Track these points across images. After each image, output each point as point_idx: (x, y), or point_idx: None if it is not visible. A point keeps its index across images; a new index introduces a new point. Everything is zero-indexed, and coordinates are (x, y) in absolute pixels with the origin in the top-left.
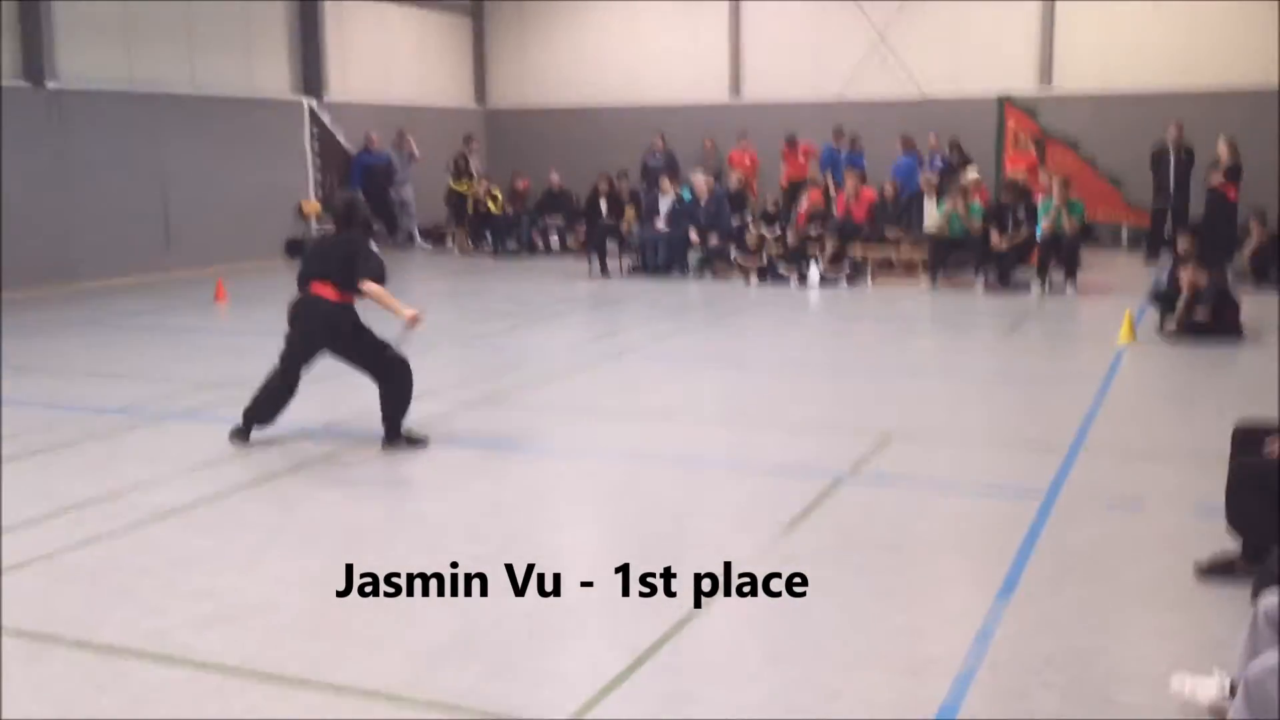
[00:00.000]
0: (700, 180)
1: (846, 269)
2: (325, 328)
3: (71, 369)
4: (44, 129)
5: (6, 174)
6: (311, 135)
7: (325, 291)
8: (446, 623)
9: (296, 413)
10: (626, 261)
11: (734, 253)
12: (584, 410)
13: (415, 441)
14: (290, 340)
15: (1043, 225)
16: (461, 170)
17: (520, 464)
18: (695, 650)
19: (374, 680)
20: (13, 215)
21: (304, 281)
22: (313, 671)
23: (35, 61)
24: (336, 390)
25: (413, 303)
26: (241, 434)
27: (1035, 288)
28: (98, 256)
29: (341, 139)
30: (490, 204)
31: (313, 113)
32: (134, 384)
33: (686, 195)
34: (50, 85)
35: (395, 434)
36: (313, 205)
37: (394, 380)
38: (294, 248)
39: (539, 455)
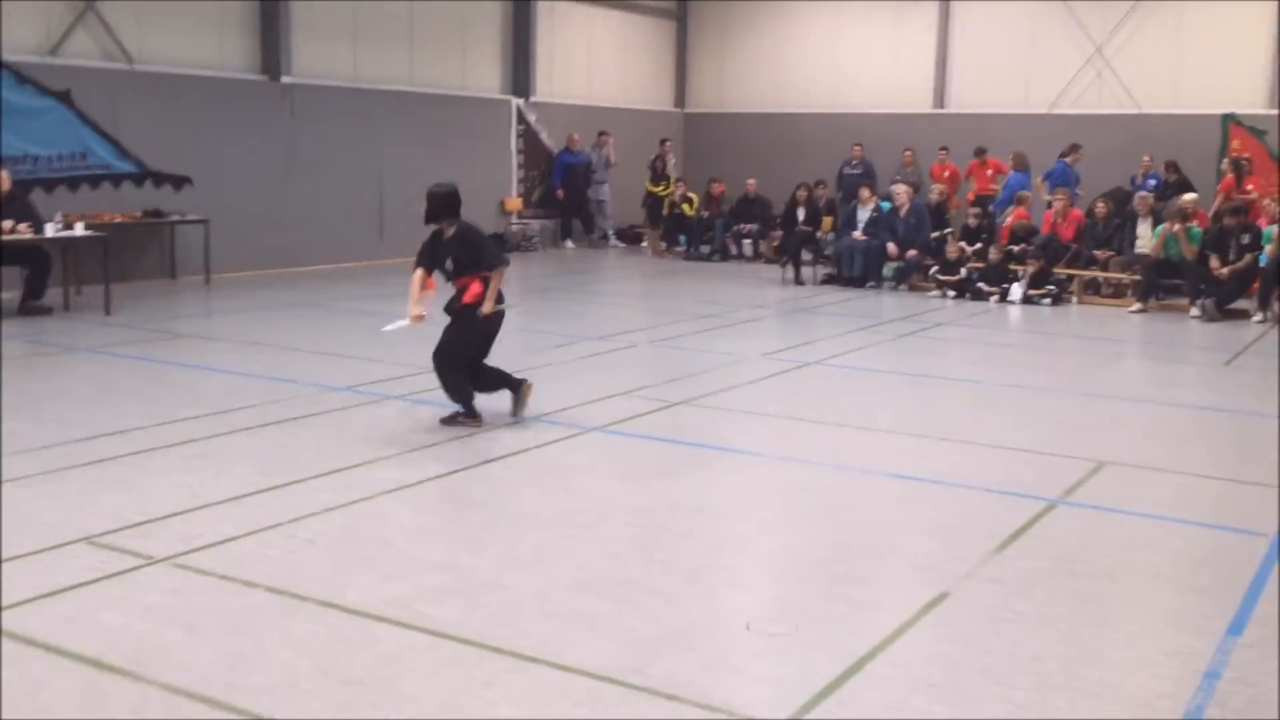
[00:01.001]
0: (901, 191)
1: (1051, 288)
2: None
3: (297, 347)
4: (276, 119)
5: (242, 160)
6: (517, 134)
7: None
8: (663, 614)
9: (501, 404)
10: (821, 271)
11: (932, 267)
12: (786, 416)
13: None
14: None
15: (1267, 253)
16: (659, 173)
17: (726, 464)
18: (910, 664)
19: (599, 663)
20: (244, 199)
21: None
22: (543, 650)
23: (272, 57)
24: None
25: (606, 302)
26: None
27: (1256, 318)
28: (316, 243)
29: (544, 138)
30: (685, 207)
31: (519, 112)
32: (356, 364)
33: (885, 206)
34: (284, 80)
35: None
36: (515, 202)
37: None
38: (496, 241)
39: (745, 457)
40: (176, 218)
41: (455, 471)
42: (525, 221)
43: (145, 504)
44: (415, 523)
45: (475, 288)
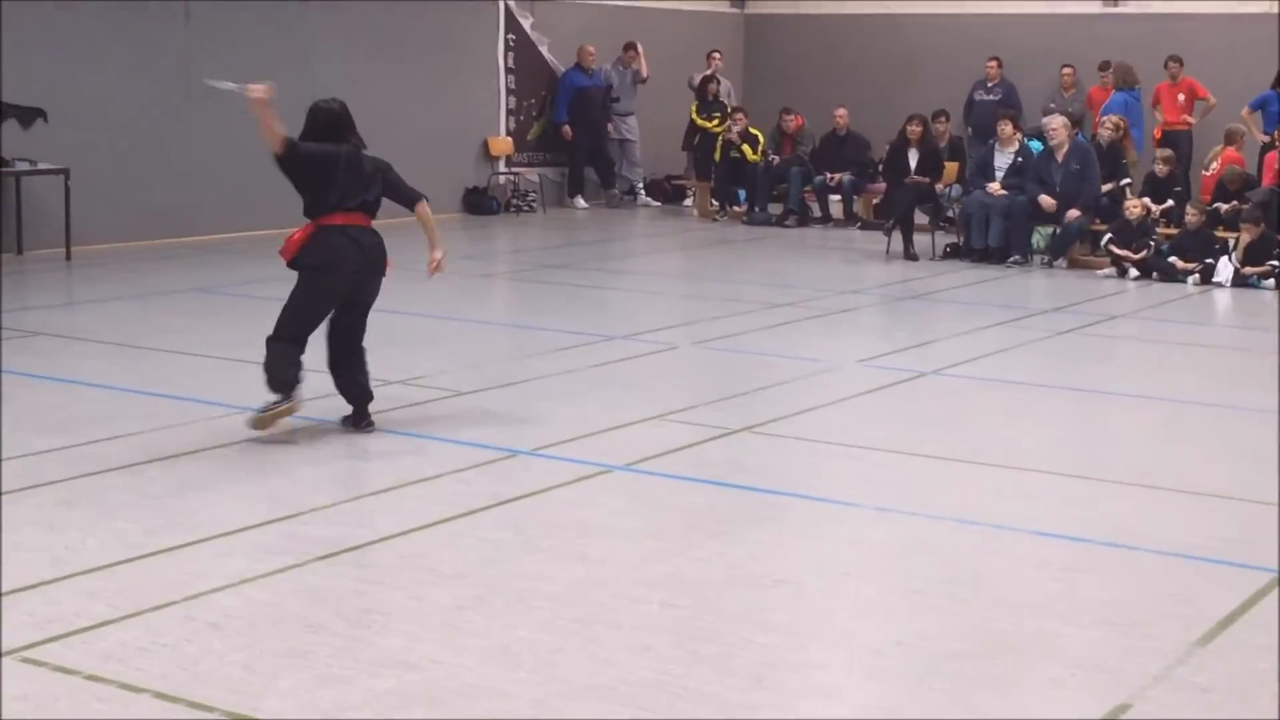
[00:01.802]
0: (1058, 125)
1: (1274, 265)
2: (375, 266)
3: (190, 349)
4: (166, 30)
5: (116, 87)
6: (506, 46)
7: (363, 221)
8: None
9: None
10: (942, 239)
11: (1104, 234)
12: (891, 449)
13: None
14: (318, 283)
15: None
16: (708, 100)
17: (804, 517)
18: None
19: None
20: (119, 141)
21: (326, 209)
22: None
23: None
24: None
25: (633, 286)
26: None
27: None
28: (216, 203)
29: (545, 51)
30: (746, 149)
31: (509, 14)
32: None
33: (1035, 147)
34: None
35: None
36: (503, 143)
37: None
38: (477, 199)
39: (832, 507)
40: (24, 167)
41: (421, 528)
42: (517, 171)
43: None
44: (364, 600)
45: (298, 235)
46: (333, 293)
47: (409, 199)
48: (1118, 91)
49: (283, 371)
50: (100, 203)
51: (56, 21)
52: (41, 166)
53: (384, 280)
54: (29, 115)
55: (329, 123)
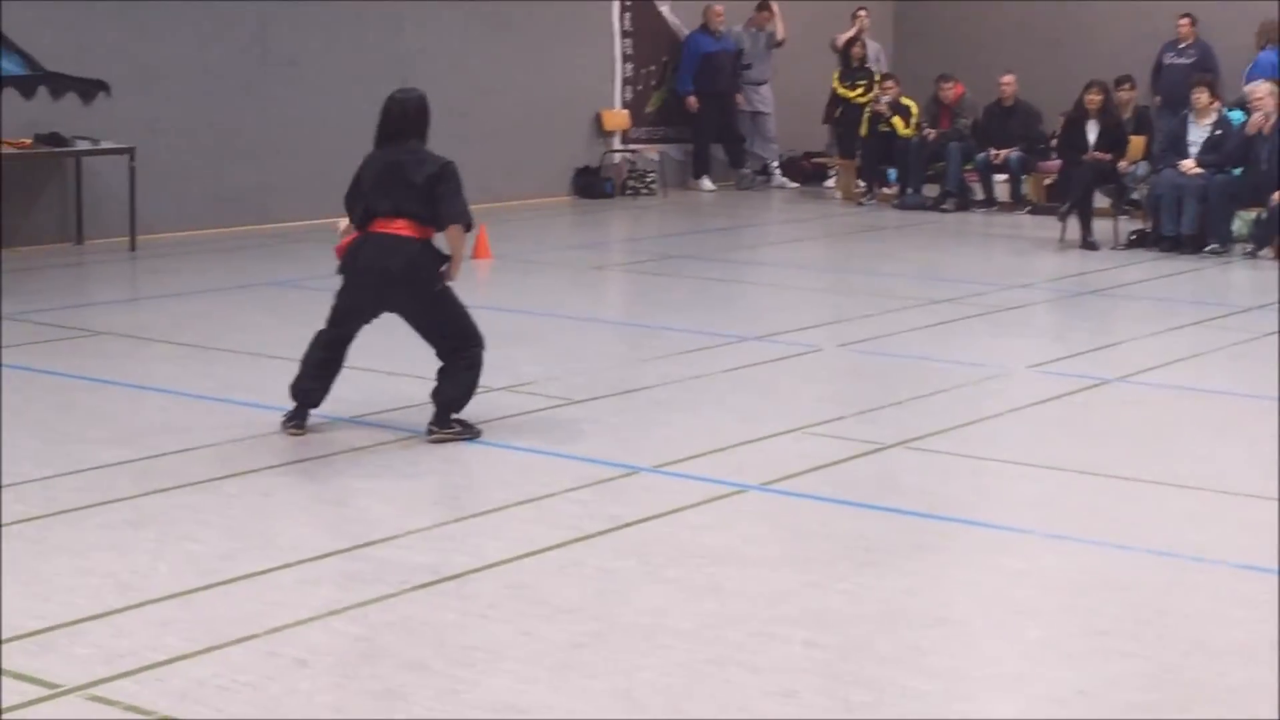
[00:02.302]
0: (1264, 94)
1: None
2: (399, 279)
3: (268, 351)
4: None
5: (185, 58)
6: (622, 6)
7: (403, 229)
8: None
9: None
10: (1125, 225)
11: None
12: (1070, 468)
13: (468, 429)
14: (340, 292)
15: None
16: (853, 66)
17: (969, 545)
18: None
19: None
20: (187, 117)
21: (368, 217)
22: None
23: None
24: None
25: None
26: (296, 419)
27: None
28: (296, 185)
29: (667, 12)
30: (898, 122)
31: None
32: (360, 379)
33: (1236, 118)
34: None
35: (446, 419)
36: (618, 117)
37: (467, 356)
38: (589, 181)
39: (1002, 534)
40: (85, 146)
41: (530, 554)
42: (635, 149)
43: (46, 601)
44: (467, 635)
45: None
46: (352, 304)
47: (442, 218)
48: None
49: (298, 380)
50: (167, 186)
51: None
52: (104, 145)
53: (474, 274)
54: (90, 88)
55: (392, 122)
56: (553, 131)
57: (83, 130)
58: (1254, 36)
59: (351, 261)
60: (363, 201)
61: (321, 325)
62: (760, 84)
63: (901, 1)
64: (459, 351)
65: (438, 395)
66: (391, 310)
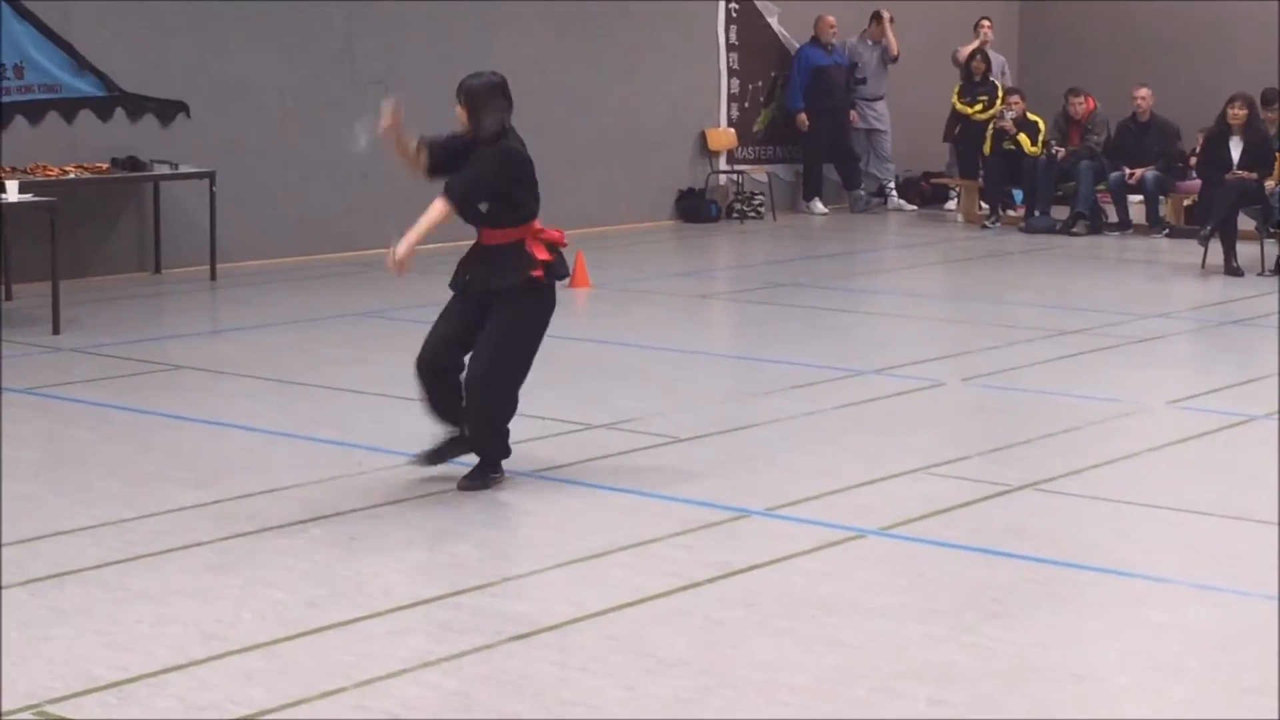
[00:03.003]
0: None
1: None
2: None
3: (358, 387)
4: (325, 7)
5: (269, 75)
6: (728, 18)
7: (481, 235)
8: None
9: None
10: (1272, 249)
11: None
12: (1216, 513)
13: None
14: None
15: None
16: (975, 81)
17: (1107, 595)
18: None
19: None
20: (271, 140)
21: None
22: None
23: None
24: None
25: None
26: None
27: None
28: (386, 212)
29: (776, 24)
30: (1023, 139)
31: None
32: None
33: None
34: None
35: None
36: (724, 135)
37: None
38: (693, 204)
39: (1142, 583)
40: (164, 170)
41: (633, 603)
42: (742, 169)
43: (126, 649)
44: (568, 689)
45: (538, 246)
46: (451, 318)
47: None
48: None
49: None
50: (249, 211)
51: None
52: (183, 170)
53: (572, 303)
54: (169, 110)
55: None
56: (654, 152)
57: (161, 154)
58: None
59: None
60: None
61: (413, 355)
62: (876, 100)
63: (1028, 10)
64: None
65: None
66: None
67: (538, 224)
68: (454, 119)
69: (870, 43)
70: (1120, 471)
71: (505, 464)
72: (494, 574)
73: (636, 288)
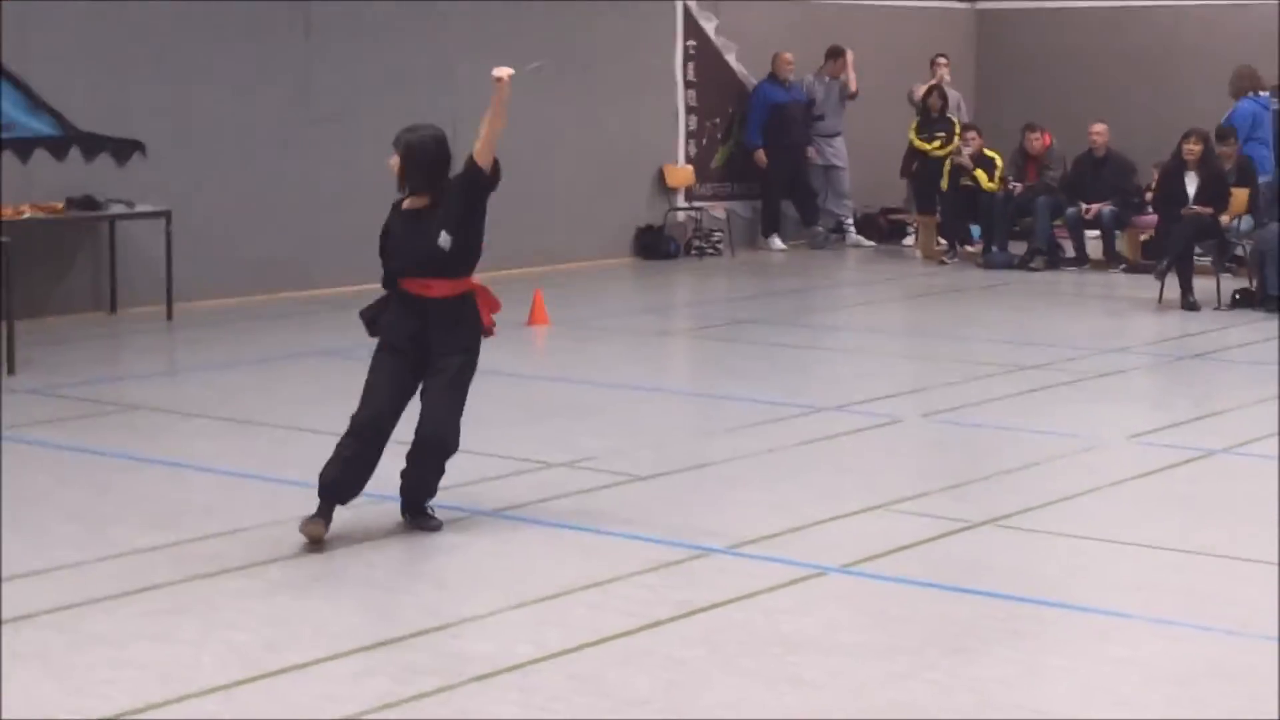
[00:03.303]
0: None
1: None
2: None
3: (314, 426)
4: (282, 43)
5: (225, 113)
6: (685, 55)
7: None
8: None
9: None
10: (1229, 284)
11: None
12: (1174, 548)
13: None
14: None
15: None
16: (932, 117)
17: (1067, 631)
18: None
19: None
20: (227, 178)
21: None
22: None
23: None
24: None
25: (843, 344)
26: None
27: None
28: (339, 249)
29: (733, 60)
30: (980, 175)
31: (688, 16)
32: None
33: None
34: None
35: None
36: (682, 173)
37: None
38: (652, 241)
39: (1101, 619)
40: (120, 209)
41: (594, 643)
42: (700, 206)
43: (84, 694)
44: None
45: (488, 299)
46: (396, 379)
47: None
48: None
49: None
50: (206, 250)
51: (153, 37)
52: (139, 209)
53: (531, 341)
54: (125, 149)
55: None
56: (613, 189)
57: (117, 193)
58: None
59: None
60: None
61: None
62: (833, 136)
63: (983, 47)
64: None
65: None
66: None
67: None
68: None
69: (827, 79)
70: (1080, 507)
71: (467, 504)
72: (454, 614)
73: (595, 325)
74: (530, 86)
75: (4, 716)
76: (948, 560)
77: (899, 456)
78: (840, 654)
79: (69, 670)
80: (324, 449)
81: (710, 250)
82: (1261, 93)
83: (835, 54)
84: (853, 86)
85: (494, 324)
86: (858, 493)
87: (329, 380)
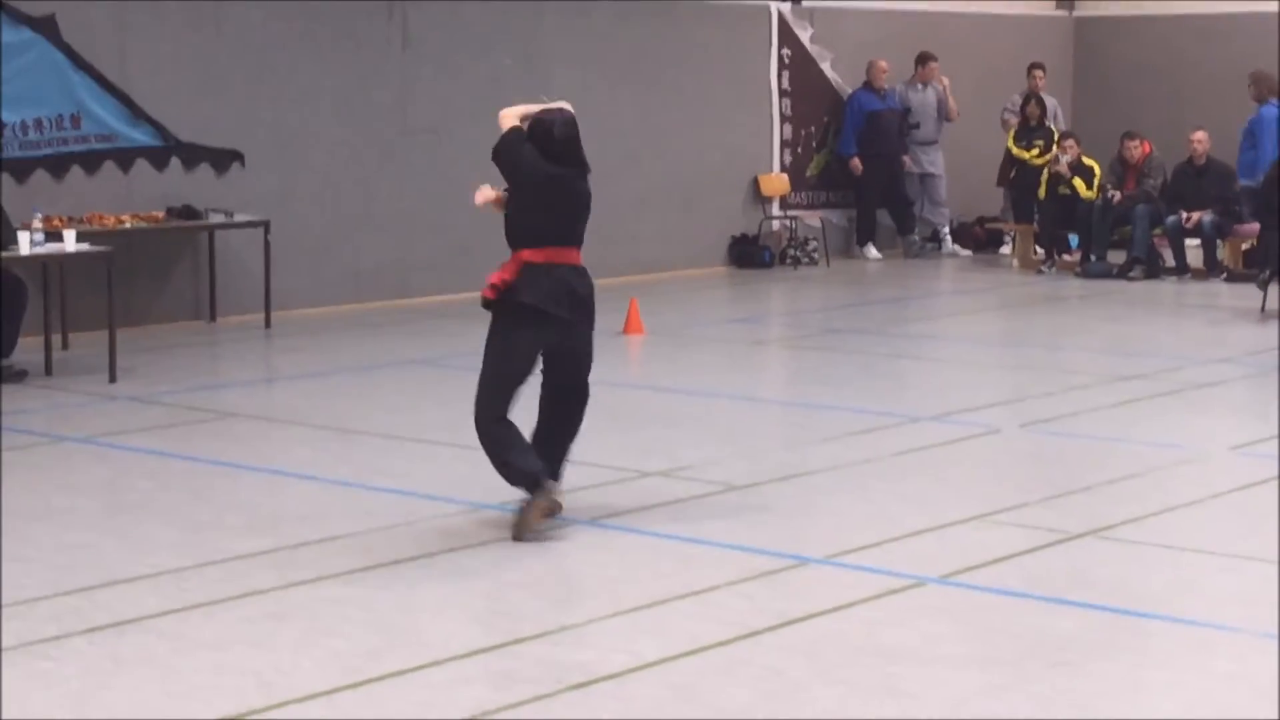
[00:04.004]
0: None
1: None
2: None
3: (415, 435)
4: (380, 52)
5: (323, 123)
6: (780, 64)
7: (577, 259)
8: None
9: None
10: None
11: None
12: (1275, 560)
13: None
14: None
15: None
16: (1029, 125)
17: (1171, 645)
18: None
19: None
20: (326, 187)
21: (541, 241)
22: None
23: None
24: None
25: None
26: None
27: None
28: (440, 258)
29: (827, 69)
30: (1079, 184)
31: (783, 25)
32: None
33: None
34: None
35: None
36: (777, 181)
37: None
38: (746, 250)
39: (1207, 632)
40: (220, 219)
41: (691, 652)
42: (795, 215)
43: (186, 698)
44: None
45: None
46: None
47: None
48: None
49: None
50: (303, 260)
51: (251, 49)
52: (238, 219)
53: (626, 350)
54: (224, 159)
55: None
56: (707, 198)
57: (216, 203)
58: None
59: None
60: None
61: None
62: (930, 144)
63: (1081, 55)
64: None
65: None
66: None
67: (526, 253)
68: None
69: (920, 86)
70: (1182, 519)
71: (565, 512)
72: (553, 623)
73: (691, 334)
74: (624, 97)
75: (109, 716)
76: (1048, 572)
77: (997, 467)
78: (939, 665)
79: (172, 675)
80: (419, 457)
81: (805, 259)
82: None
83: (925, 60)
84: (954, 114)
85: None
86: (956, 503)
87: (424, 389)
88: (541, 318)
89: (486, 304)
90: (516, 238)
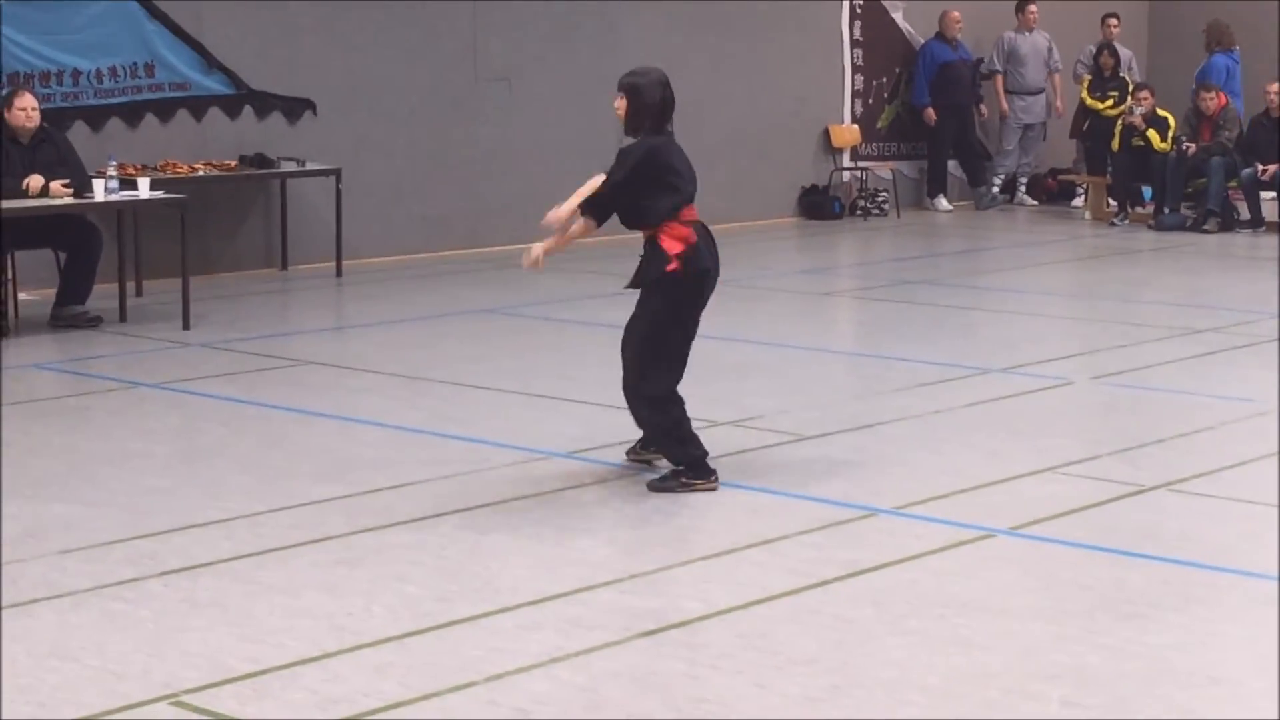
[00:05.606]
0: None
1: None
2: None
3: (483, 383)
4: (449, 4)
5: (394, 74)
6: (852, 14)
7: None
8: None
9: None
10: None
11: None
12: None
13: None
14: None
15: None
16: (1103, 76)
17: (1244, 598)
18: None
19: None
20: (396, 137)
21: (680, 207)
22: None
23: None
24: None
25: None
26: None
27: None
28: (510, 209)
29: (900, 19)
30: (1153, 136)
31: None
32: (584, 412)
33: None
34: None
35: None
36: (848, 132)
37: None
38: (816, 201)
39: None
40: (291, 168)
41: (762, 600)
42: (865, 166)
43: (259, 642)
44: (697, 686)
45: (671, 241)
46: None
47: None
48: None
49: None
50: (374, 208)
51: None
52: (310, 167)
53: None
54: (296, 107)
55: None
56: (777, 148)
57: (288, 151)
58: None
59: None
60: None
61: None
62: (1036, 93)
63: (1157, 4)
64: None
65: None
66: None
67: (684, 214)
68: (574, 118)
69: (1025, 33)
70: (1254, 472)
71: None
72: (622, 570)
73: (760, 285)
74: (694, 46)
75: (184, 658)
76: (1119, 524)
77: (1068, 419)
78: (1008, 617)
79: (245, 618)
80: (489, 404)
81: (875, 210)
82: (1233, 48)
83: (1024, 6)
84: (1061, 110)
85: (682, 249)
86: (1026, 455)
87: (494, 337)
88: (710, 280)
89: (663, 278)
90: (657, 214)
